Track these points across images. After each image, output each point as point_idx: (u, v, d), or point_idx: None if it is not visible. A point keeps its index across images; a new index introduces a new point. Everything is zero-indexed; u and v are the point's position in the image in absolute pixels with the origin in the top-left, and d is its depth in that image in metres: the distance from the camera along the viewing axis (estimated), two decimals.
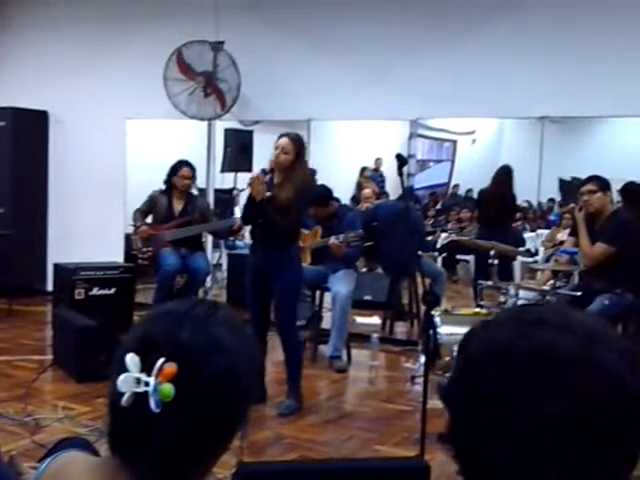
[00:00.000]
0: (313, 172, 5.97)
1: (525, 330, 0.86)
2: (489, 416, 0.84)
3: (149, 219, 6.12)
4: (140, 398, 0.97)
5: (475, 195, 7.47)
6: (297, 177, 4.30)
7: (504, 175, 6.30)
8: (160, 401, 0.96)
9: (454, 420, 0.89)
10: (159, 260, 5.83)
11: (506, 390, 0.84)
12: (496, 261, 5.05)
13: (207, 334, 1.03)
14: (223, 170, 7.27)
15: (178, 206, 6.05)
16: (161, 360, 0.97)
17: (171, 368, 0.97)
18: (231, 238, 7.22)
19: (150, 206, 6.10)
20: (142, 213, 6.09)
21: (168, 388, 0.97)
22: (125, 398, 0.98)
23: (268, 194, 4.27)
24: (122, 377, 0.98)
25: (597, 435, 0.81)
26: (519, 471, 0.83)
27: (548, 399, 0.81)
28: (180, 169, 6.00)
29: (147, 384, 0.96)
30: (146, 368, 0.98)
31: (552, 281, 4.63)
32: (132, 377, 0.97)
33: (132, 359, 0.99)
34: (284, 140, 4.26)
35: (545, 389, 0.82)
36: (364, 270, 6.74)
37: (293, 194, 4.23)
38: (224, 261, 7.66)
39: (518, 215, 6.94)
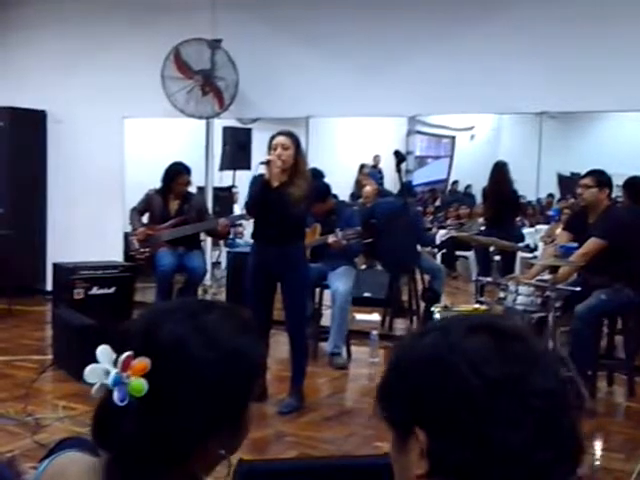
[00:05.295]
0: (320, 174, 5.97)
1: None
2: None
3: (145, 218, 6.12)
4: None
5: (474, 191, 7.48)
6: (304, 172, 4.30)
7: (498, 171, 6.33)
8: (130, 395, 0.95)
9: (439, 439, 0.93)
10: (155, 261, 5.83)
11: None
12: (497, 257, 5.05)
13: (192, 331, 1.01)
14: (222, 168, 7.26)
15: (174, 205, 6.04)
16: (126, 353, 0.96)
17: (142, 363, 0.96)
18: (230, 237, 7.22)
19: (146, 205, 6.09)
20: (138, 212, 6.09)
21: (139, 383, 0.95)
22: (94, 389, 0.97)
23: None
24: (89, 368, 0.97)
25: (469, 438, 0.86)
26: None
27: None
28: (178, 177, 5.97)
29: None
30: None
31: (549, 276, 4.62)
32: (100, 368, 0.97)
33: (103, 351, 0.98)
34: (281, 137, 4.24)
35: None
36: (363, 267, 6.75)
37: (305, 189, 4.23)
38: (223, 259, 7.66)
39: (528, 210, 6.98)
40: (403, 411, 0.91)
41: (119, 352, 0.99)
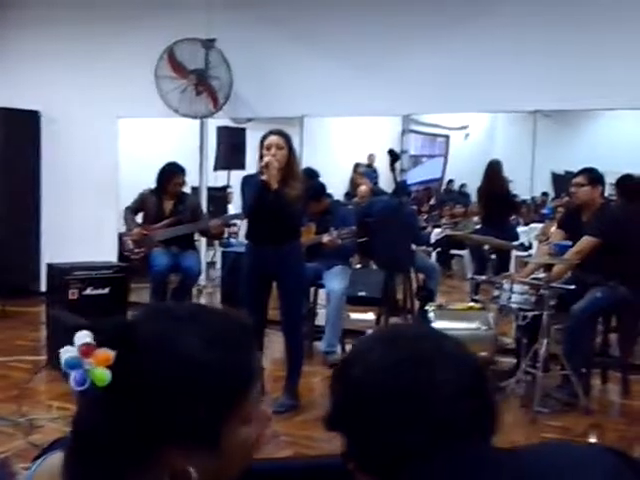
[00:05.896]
0: (315, 173, 5.97)
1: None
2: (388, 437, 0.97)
3: (139, 217, 6.10)
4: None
5: (469, 190, 7.49)
6: (297, 172, 4.29)
7: (492, 170, 6.35)
8: (92, 382, 0.94)
9: (353, 442, 1.01)
10: (149, 261, 5.82)
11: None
12: (492, 256, 5.06)
13: (182, 330, 0.98)
14: (216, 168, 7.25)
15: (168, 206, 6.03)
16: (85, 340, 0.94)
17: (105, 354, 0.94)
18: (225, 236, 7.22)
19: (140, 205, 6.08)
20: (132, 211, 6.08)
21: (101, 372, 0.93)
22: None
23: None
24: (62, 349, 0.96)
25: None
26: None
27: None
28: (173, 177, 5.96)
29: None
30: None
31: (543, 274, 4.63)
32: (71, 350, 0.96)
33: (80, 335, 0.96)
34: (274, 137, 4.22)
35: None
36: (358, 266, 6.74)
37: (300, 189, 4.22)
38: (218, 259, 7.66)
39: (522, 208, 7.00)
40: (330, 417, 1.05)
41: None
